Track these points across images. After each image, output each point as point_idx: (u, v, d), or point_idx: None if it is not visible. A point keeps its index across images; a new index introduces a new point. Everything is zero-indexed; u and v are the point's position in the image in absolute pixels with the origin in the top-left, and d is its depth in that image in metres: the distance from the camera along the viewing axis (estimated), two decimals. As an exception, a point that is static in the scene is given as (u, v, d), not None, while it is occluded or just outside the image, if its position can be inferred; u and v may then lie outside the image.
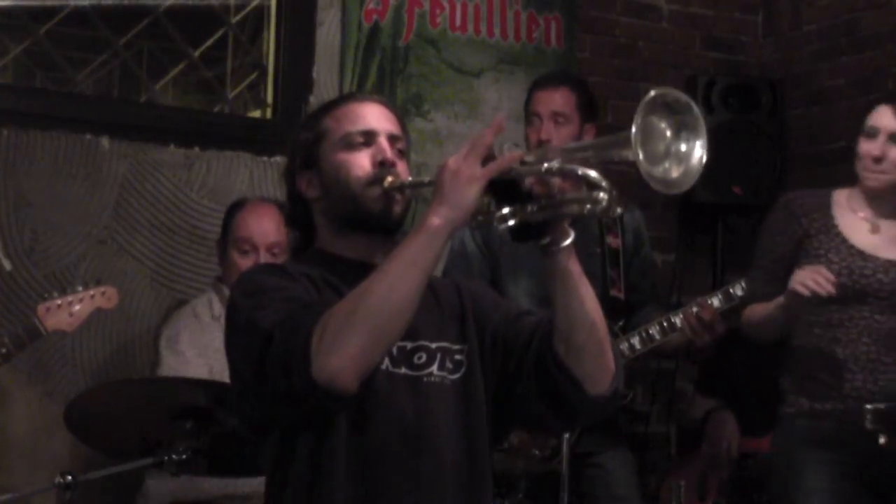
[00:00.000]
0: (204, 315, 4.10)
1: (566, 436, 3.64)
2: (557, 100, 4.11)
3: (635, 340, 4.06)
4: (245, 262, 3.92)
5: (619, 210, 2.10)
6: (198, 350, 3.97)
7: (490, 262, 4.06)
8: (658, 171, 2.04)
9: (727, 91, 5.36)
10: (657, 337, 4.02)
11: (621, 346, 3.99)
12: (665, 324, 4.03)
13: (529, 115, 4.16)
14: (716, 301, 4.01)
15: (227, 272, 4.06)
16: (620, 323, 4.12)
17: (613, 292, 4.12)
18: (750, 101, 5.36)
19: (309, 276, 2.29)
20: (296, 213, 2.43)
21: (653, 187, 2.04)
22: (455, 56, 5.10)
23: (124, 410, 3.18)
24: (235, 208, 4.09)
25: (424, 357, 2.31)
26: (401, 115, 2.47)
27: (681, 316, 4.01)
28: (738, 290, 4.04)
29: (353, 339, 2.06)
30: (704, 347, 4.09)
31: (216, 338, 3.77)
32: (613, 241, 4.17)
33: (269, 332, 2.13)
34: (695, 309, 3.98)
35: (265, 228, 3.94)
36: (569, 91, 4.13)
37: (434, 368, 2.31)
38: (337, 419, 2.20)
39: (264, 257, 3.91)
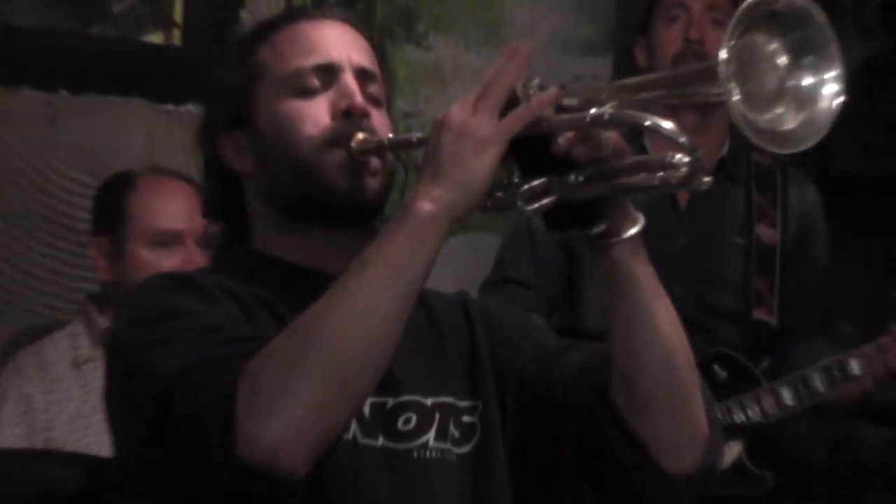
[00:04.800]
0: (59, 362, 3.58)
1: None
2: None
3: (786, 393, 3.60)
4: (168, 262, 3.53)
5: (706, 180, 1.89)
6: (27, 426, 3.52)
7: (566, 248, 3.65)
8: (764, 118, 1.84)
9: (889, 6, 4.60)
10: (821, 389, 3.57)
11: (764, 402, 3.60)
12: (835, 370, 3.58)
13: (664, 7, 3.73)
14: None
15: (125, 283, 3.51)
16: (765, 363, 3.65)
17: (760, 314, 3.67)
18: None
19: (234, 293, 2.08)
20: (217, 193, 2.24)
21: (755, 143, 1.79)
22: (467, -48, 4.72)
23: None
24: (125, 185, 3.61)
25: (414, 420, 2.11)
26: (378, 39, 2.50)
27: (860, 358, 3.57)
28: None
29: (301, 396, 1.85)
30: (893, 406, 3.68)
31: (75, 397, 3.53)
32: (766, 231, 3.72)
33: (169, 383, 1.90)
34: (884, 348, 3.56)
35: (188, 213, 3.55)
36: None
37: (430, 437, 2.11)
38: None
39: (194, 253, 3.54)
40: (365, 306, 1.91)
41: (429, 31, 4.56)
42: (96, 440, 3.30)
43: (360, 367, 1.91)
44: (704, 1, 3.67)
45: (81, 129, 4.14)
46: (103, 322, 3.50)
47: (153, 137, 4.18)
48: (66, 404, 3.50)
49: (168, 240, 3.55)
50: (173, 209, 3.57)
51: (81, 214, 3.85)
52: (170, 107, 4.21)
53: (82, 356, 3.52)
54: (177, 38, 4.39)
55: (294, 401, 1.87)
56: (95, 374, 3.29)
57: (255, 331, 2.03)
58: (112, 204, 3.58)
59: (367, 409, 2.07)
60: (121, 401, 2.05)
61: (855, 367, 3.57)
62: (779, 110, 1.89)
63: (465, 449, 2.16)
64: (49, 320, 3.90)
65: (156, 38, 4.47)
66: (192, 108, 4.07)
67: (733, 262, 3.69)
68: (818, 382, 3.60)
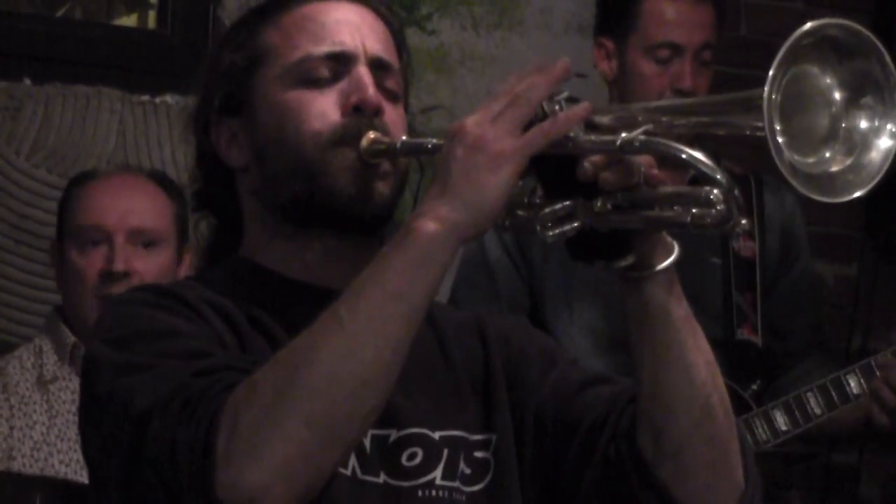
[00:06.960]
0: (23, 381, 3.60)
1: None
2: (705, 21, 3.62)
3: (780, 417, 3.58)
4: (88, 265, 3.48)
5: (743, 223, 1.82)
6: None
7: (528, 278, 3.64)
8: (807, 161, 1.78)
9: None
10: (818, 412, 3.55)
11: (757, 430, 3.59)
12: (833, 390, 3.54)
13: (650, 41, 3.62)
14: None
15: (65, 292, 3.56)
16: (754, 386, 3.64)
17: (743, 333, 3.70)
18: None
19: (224, 311, 2.04)
20: (209, 189, 2.20)
21: (797, 189, 1.72)
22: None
23: None
24: (75, 185, 3.64)
25: (420, 455, 2.06)
26: (398, 22, 2.22)
27: (859, 375, 3.54)
28: None
29: (284, 440, 1.82)
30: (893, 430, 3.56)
31: (39, 422, 3.58)
32: (744, 245, 3.76)
33: (143, 417, 1.88)
34: (882, 366, 3.52)
35: (123, 206, 3.52)
36: (713, 7, 3.64)
37: (437, 475, 2.06)
38: None
39: (123, 251, 3.46)
40: (358, 340, 1.87)
41: (433, 13, 4.48)
42: (61, 470, 3.35)
43: (351, 408, 1.87)
44: (699, 40, 3.57)
45: (46, 122, 4.12)
46: (68, 335, 3.46)
47: (126, 131, 4.12)
48: (30, 430, 3.49)
49: (90, 237, 3.48)
50: (105, 205, 3.50)
51: (46, 217, 3.82)
52: (145, 97, 4.16)
53: (48, 374, 3.50)
54: (152, 20, 4.36)
55: (277, 444, 1.84)
56: (62, 396, 3.42)
57: (239, 358, 2.00)
58: (61, 206, 3.56)
59: (367, 443, 2.03)
60: (93, 430, 2.03)
61: (854, 385, 3.50)
62: (826, 154, 1.81)
63: (476, 487, 2.11)
64: (12, 336, 3.93)
65: (128, 20, 4.47)
66: (170, 100, 4.05)
67: (712, 285, 3.69)
68: (814, 404, 3.54)
